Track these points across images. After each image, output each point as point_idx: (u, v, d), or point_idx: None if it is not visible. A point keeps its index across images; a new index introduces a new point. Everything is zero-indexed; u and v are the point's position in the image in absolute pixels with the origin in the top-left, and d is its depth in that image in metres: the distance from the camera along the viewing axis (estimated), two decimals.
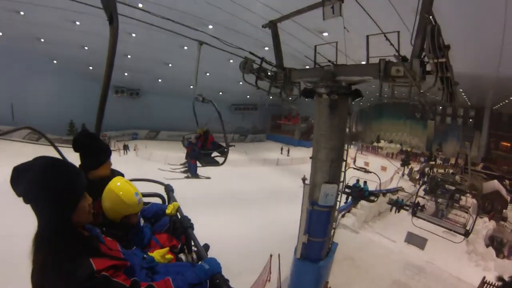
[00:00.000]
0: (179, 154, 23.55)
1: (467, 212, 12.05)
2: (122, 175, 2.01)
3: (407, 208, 14.48)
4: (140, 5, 11.99)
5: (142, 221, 1.99)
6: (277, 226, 10.83)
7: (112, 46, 1.93)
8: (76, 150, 1.87)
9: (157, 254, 1.74)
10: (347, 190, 11.26)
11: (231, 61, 19.17)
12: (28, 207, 1.09)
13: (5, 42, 18.59)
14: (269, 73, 4.20)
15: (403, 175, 27.54)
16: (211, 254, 1.81)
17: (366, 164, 26.40)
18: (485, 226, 16.18)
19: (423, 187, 17.51)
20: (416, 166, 28.68)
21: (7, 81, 20.53)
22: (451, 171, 23.41)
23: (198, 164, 7.70)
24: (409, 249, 10.88)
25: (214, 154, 7.40)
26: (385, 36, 3.95)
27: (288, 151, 31.15)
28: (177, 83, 26.39)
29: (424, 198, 15.36)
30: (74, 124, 24.23)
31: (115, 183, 1.73)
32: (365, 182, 12.29)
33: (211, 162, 7.22)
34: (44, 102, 22.32)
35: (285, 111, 37.67)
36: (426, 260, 9.89)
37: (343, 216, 12.16)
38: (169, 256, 1.80)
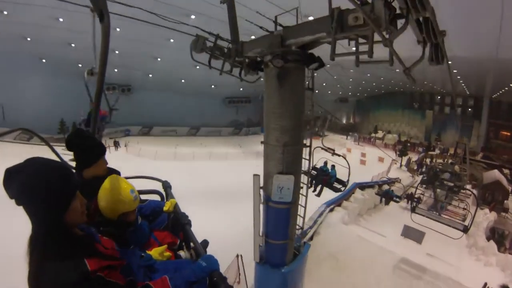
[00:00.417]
0: (169, 149, 23.41)
1: (465, 209, 11.36)
2: (119, 173, 1.98)
3: (398, 200, 13.68)
4: None
5: (139, 219, 1.95)
6: None
7: (104, 45, 1.87)
8: (69, 149, 1.86)
9: (155, 252, 1.79)
10: (313, 172, 8.90)
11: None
12: (20, 209, 1.06)
13: None
14: (225, 51, 3.37)
15: (400, 165, 26.81)
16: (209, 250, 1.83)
17: (363, 155, 25.66)
18: (485, 217, 15.61)
19: (421, 178, 16.80)
20: (414, 157, 27.91)
21: None
22: (450, 161, 22.78)
23: None
24: (403, 247, 10.15)
25: None
26: None
27: None
28: (168, 78, 26.25)
29: (421, 189, 14.66)
30: (65, 122, 24.05)
31: (110, 181, 1.68)
32: (333, 166, 9.49)
33: None
34: (34, 101, 22.52)
35: None
36: (420, 263, 9.08)
37: (331, 210, 11.37)
38: (167, 253, 1.85)
